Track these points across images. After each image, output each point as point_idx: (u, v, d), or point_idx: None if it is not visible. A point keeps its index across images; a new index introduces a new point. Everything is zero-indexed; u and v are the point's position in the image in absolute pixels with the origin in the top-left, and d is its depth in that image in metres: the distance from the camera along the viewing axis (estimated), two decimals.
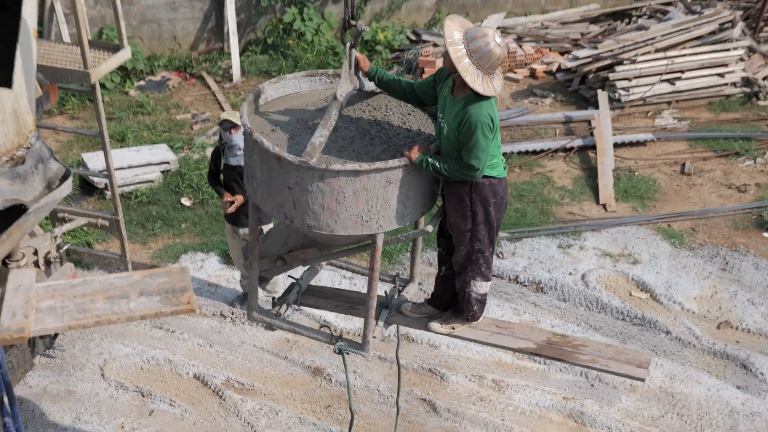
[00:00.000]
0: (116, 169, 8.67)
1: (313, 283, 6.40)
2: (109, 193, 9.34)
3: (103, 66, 7.71)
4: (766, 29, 13.58)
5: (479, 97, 4.95)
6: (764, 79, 12.67)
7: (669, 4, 14.06)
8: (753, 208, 10.33)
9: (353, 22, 5.39)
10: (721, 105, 12.52)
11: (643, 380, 5.97)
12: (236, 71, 12.86)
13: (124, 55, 8.08)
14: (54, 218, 8.29)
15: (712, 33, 12.80)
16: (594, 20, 14.34)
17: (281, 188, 4.93)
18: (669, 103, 12.45)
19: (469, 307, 5.60)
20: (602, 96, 12.05)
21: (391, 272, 6.62)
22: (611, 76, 12.31)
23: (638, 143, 11.55)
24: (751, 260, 9.48)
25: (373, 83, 5.58)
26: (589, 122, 11.88)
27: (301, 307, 6.74)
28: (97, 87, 7.71)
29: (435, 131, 5.35)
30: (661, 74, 12.25)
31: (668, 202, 10.55)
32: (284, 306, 5.88)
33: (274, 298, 6.08)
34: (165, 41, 13.20)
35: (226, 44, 13.14)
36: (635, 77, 12.24)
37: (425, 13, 14.20)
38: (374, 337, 5.63)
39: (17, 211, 6.15)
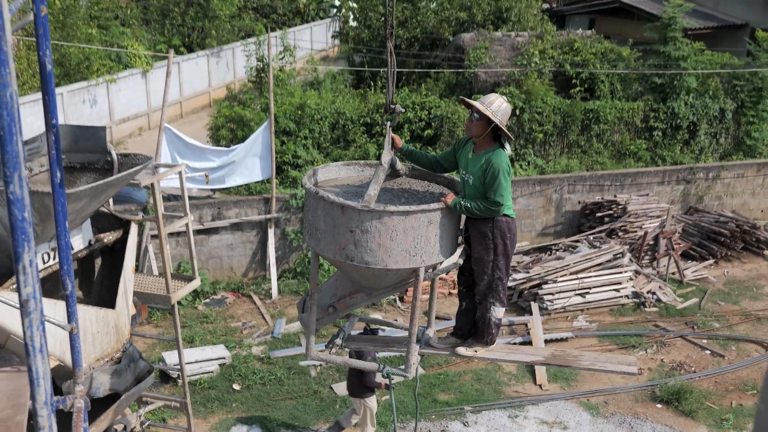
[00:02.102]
0: (186, 364, 8.74)
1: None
2: (180, 382, 9.37)
3: (180, 291, 7.87)
4: (645, 258, 13.98)
5: (497, 151, 5.02)
6: (648, 292, 12.99)
7: (577, 241, 14.43)
8: (647, 386, 10.46)
9: (392, 107, 5.25)
10: (619, 311, 12.73)
11: (636, 374, 5.64)
12: (274, 291, 12.93)
13: (195, 284, 8.23)
14: (139, 401, 8.18)
15: (609, 261, 13.16)
16: (526, 252, 14.62)
17: (344, 233, 4.68)
18: (582, 310, 12.63)
19: (489, 331, 5.35)
20: (534, 306, 12.36)
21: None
22: (540, 292, 12.58)
23: (562, 339, 11.66)
24: (650, 426, 9.56)
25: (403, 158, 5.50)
26: (525, 325, 12.06)
27: (346, 348, 6.24)
28: (176, 306, 7.82)
29: (460, 187, 5.23)
30: (575, 290, 12.59)
31: (586, 382, 10.61)
32: (334, 348, 5.57)
33: (327, 344, 5.67)
34: (225, 270, 13.35)
35: (268, 272, 13.27)
36: (557, 292, 12.53)
37: None
38: (413, 364, 5.22)
39: (114, 397, 6.39)
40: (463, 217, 5.26)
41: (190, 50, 23.75)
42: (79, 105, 18.26)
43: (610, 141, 16.73)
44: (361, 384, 8.24)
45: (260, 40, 15.92)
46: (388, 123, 5.29)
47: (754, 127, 17.33)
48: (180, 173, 7.73)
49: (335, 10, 27.98)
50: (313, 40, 27.93)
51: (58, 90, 17.39)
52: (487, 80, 16.76)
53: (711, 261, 14.77)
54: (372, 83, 18.00)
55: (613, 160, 16.64)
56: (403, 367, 5.32)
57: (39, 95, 14.86)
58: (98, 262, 7.05)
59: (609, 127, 16.56)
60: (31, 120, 14.94)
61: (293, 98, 14.98)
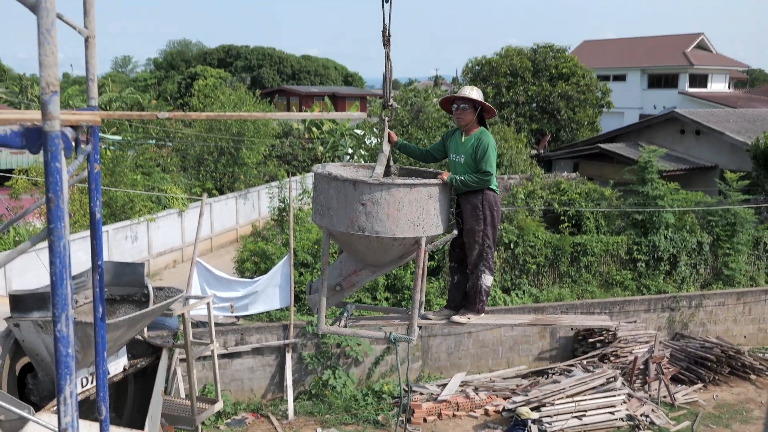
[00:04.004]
0: None
1: None
2: None
3: (203, 414, 7.81)
4: (637, 382, 13.66)
5: (484, 131, 5.27)
6: (641, 415, 12.59)
7: (572, 366, 14.20)
8: None
9: (389, 104, 5.31)
10: None
11: (614, 328, 5.59)
12: (291, 412, 12.70)
13: (218, 406, 8.20)
14: None
15: (602, 384, 12.87)
16: (524, 376, 14.35)
17: (355, 207, 4.70)
18: None
19: (480, 298, 5.35)
20: (534, 428, 11.91)
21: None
22: (538, 414, 12.10)
23: None
24: None
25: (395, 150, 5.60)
26: None
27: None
28: (199, 427, 7.77)
29: (450, 168, 5.36)
30: (571, 413, 12.24)
31: None
32: (342, 322, 5.52)
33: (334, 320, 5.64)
34: (245, 392, 13.19)
35: (285, 394, 13.09)
36: (555, 415, 12.14)
37: (415, 372, 14.14)
38: (417, 328, 5.12)
39: None
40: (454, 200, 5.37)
41: (221, 192, 24.56)
42: (122, 241, 18.72)
43: (598, 271, 16.85)
44: None
45: (282, 183, 16.52)
46: (386, 119, 5.39)
47: (730, 258, 17.45)
48: (208, 304, 7.88)
49: (348, 158, 29.03)
50: None
51: (104, 228, 17.89)
52: None
53: (700, 385, 14.43)
54: None
55: (602, 289, 16.69)
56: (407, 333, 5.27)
57: (88, 233, 15.31)
58: (131, 384, 7.07)
59: (596, 259, 16.72)
60: (80, 254, 15.31)
61: (311, 234, 15.35)
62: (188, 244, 20.82)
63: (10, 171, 19.56)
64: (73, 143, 2.30)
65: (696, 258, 17.46)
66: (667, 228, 17.08)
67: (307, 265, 14.63)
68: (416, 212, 4.77)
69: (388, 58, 5.18)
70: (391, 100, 5.37)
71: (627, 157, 22.95)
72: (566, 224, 17.15)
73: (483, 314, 5.52)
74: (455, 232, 5.36)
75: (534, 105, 31.64)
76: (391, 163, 5.57)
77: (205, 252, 21.74)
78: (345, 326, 5.50)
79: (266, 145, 27.10)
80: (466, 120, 5.35)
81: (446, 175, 5.02)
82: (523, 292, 15.95)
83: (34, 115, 2.40)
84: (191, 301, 8.48)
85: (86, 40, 3.29)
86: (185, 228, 21.21)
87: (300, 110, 50.78)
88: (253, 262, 15.01)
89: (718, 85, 46.00)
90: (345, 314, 5.60)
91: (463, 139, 5.36)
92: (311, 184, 18.92)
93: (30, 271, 14.78)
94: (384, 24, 5.03)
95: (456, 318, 5.45)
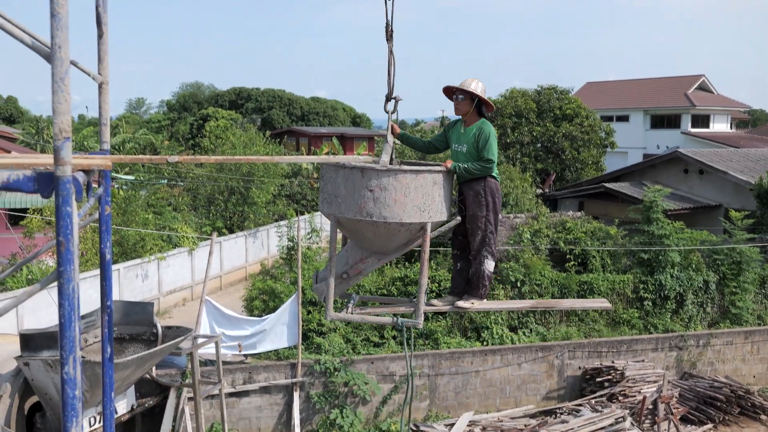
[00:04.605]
0: None
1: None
2: None
3: None
4: (646, 422, 13.24)
5: (484, 122, 5.33)
6: None
7: (580, 405, 13.98)
8: None
9: (393, 96, 5.36)
10: None
11: (609, 308, 5.68)
12: None
13: None
14: None
15: (611, 425, 12.59)
16: (532, 416, 14.10)
17: (363, 193, 4.76)
18: None
19: (483, 283, 5.38)
20: None
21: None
22: None
23: None
24: None
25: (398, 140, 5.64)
26: None
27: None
28: None
29: (452, 158, 5.41)
30: None
31: None
32: (349, 308, 5.44)
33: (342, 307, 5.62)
34: (253, 431, 13.00)
35: None
36: None
37: (422, 411, 14.10)
38: (423, 313, 5.12)
39: None
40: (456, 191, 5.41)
41: (231, 231, 24.63)
42: (133, 279, 18.72)
43: (605, 310, 16.68)
44: None
45: (291, 222, 16.56)
46: (390, 111, 5.42)
47: (737, 297, 17.25)
48: (216, 343, 7.84)
49: None
50: None
51: (115, 266, 17.92)
52: None
53: (710, 425, 14.12)
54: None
55: (609, 327, 16.49)
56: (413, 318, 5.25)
57: (98, 272, 15.30)
58: (139, 424, 6.99)
59: (603, 297, 16.57)
60: (90, 292, 15.30)
61: None
62: (198, 283, 20.80)
63: (25, 210, 19.72)
64: (85, 187, 2.31)
65: (703, 297, 17.27)
66: (673, 267, 16.95)
67: (315, 303, 14.56)
68: (422, 198, 4.83)
69: (391, 52, 5.29)
70: (397, 95, 5.45)
71: (631, 197, 22.93)
72: (572, 263, 17.05)
73: (485, 300, 5.56)
74: (459, 218, 5.40)
75: (539, 145, 31.80)
76: (393, 156, 5.65)
77: (214, 290, 21.71)
78: (351, 314, 5.46)
79: (276, 185, 27.26)
80: (463, 110, 5.45)
81: (450, 163, 5.11)
82: (530, 330, 15.78)
83: (46, 160, 2.42)
84: (200, 340, 8.44)
85: (100, 85, 3.35)
86: (195, 266, 21.21)
87: (309, 150, 51.24)
88: (261, 300, 14.97)
89: (720, 126, 46.17)
90: (350, 303, 5.59)
91: (463, 130, 5.46)
92: (319, 223, 18.98)
93: (41, 309, 14.78)
94: (387, 20, 5.20)
95: (460, 303, 5.46)
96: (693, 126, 44.14)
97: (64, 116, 1.90)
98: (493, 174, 5.32)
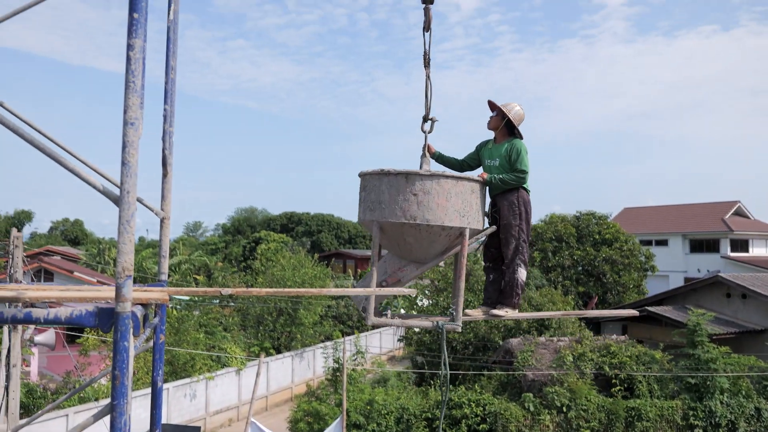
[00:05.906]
0: None
1: None
2: None
3: None
4: None
5: (515, 139, 5.42)
6: None
7: None
8: None
9: (429, 117, 5.43)
10: None
11: (637, 315, 6.00)
12: None
13: None
14: None
15: None
16: None
17: (407, 197, 4.83)
18: None
19: (517, 291, 5.41)
20: None
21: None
22: None
23: None
24: None
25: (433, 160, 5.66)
26: None
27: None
28: None
29: (486, 173, 5.41)
30: None
31: None
32: (389, 313, 5.39)
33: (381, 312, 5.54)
34: None
35: None
36: None
37: None
38: (461, 316, 5.13)
39: None
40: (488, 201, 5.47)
41: (278, 351, 24.45)
42: (181, 398, 18.53)
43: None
44: None
45: (337, 344, 16.41)
46: (426, 131, 5.49)
47: None
48: None
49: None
50: (381, 345, 28.49)
51: (165, 385, 17.84)
52: (534, 380, 16.41)
53: None
54: (432, 382, 17.83)
55: None
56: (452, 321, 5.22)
57: (149, 390, 15.23)
58: None
59: (651, 425, 15.58)
60: (139, 411, 15.15)
61: (363, 394, 14.92)
62: (244, 402, 20.44)
63: (82, 329, 20.08)
64: (142, 319, 2.36)
65: (756, 425, 16.09)
66: (722, 393, 15.96)
67: (359, 426, 14.08)
68: (462, 204, 4.93)
69: (428, 77, 5.45)
70: (433, 116, 5.55)
71: (675, 320, 22.11)
72: (618, 388, 16.23)
73: (518, 309, 5.61)
74: (494, 227, 5.46)
75: (579, 268, 31.39)
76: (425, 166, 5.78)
77: (260, 410, 21.26)
78: (391, 318, 5.49)
79: (323, 306, 27.27)
80: (492, 125, 5.61)
81: (486, 175, 5.25)
82: None
83: (107, 294, 2.49)
84: None
85: (162, 221, 3.49)
86: (242, 385, 20.93)
87: (355, 272, 51.61)
88: (306, 422, 14.56)
89: (759, 250, 45.05)
90: (389, 310, 5.61)
91: (495, 146, 5.60)
92: (364, 345, 18.75)
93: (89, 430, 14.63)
94: (425, 49, 5.44)
95: (495, 312, 5.50)
96: (732, 250, 43.18)
97: (128, 255, 1.97)
98: (525, 186, 5.46)
